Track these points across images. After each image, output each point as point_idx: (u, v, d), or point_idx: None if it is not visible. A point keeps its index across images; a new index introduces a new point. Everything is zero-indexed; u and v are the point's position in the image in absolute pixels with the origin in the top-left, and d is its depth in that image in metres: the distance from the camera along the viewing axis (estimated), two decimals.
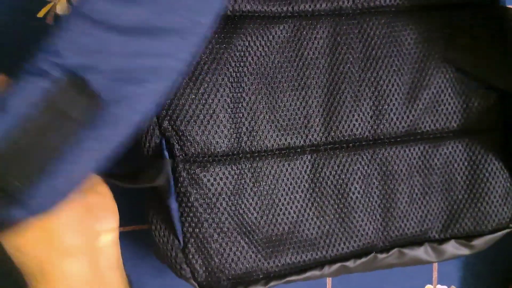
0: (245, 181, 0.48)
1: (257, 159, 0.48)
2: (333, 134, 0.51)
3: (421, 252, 0.53)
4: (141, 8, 0.33)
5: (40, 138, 0.32)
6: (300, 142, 0.50)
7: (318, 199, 0.50)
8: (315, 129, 0.50)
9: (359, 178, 0.51)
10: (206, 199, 0.46)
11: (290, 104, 0.49)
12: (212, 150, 0.47)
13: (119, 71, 0.34)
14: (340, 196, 0.51)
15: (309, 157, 0.50)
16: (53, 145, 0.33)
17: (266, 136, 0.49)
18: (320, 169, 0.50)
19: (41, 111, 0.32)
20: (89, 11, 0.33)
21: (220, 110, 0.46)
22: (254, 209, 0.48)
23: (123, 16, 0.33)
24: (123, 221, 0.55)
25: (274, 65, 0.49)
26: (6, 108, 0.32)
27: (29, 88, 0.32)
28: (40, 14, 0.53)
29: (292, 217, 0.50)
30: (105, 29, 0.33)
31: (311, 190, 0.50)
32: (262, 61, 0.49)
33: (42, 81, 0.32)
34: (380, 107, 0.52)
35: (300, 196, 0.50)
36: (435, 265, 0.63)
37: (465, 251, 0.54)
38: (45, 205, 0.34)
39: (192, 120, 0.46)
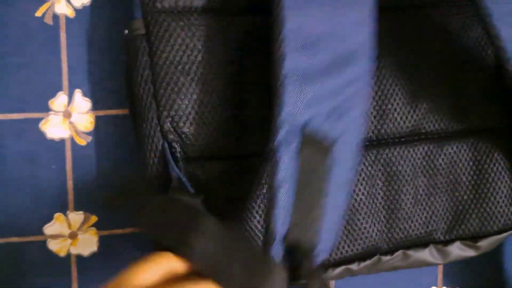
0: (248, 183, 0.48)
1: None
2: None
3: (426, 253, 0.53)
4: (323, 51, 0.38)
5: (311, 192, 0.37)
6: None
7: None
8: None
9: (363, 179, 0.51)
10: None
11: None
12: (214, 151, 0.47)
13: (332, 111, 0.38)
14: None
15: None
16: (321, 193, 0.37)
17: None
18: None
19: (300, 173, 0.36)
20: (294, 70, 0.37)
21: (223, 111, 0.46)
22: (257, 212, 0.48)
23: (315, 63, 0.37)
24: (124, 224, 0.56)
25: None
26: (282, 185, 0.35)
27: (285, 159, 0.36)
28: (38, 13, 0.53)
29: None
30: (309, 80, 0.37)
31: None
32: (264, 62, 0.48)
33: (289, 147, 0.36)
34: (384, 107, 0.51)
35: None
36: (440, 267, 0.63)
37: (470, 253, 0.54)
38: (328, 248, 0.39)
39: (194, 121, 0.46)
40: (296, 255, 0.36)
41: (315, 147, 0.37)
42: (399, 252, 0.52)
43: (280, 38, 0.37)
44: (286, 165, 0.36)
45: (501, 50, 0.39)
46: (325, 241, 0.38)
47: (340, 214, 0.39)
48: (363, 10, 0.40)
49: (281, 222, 0.36)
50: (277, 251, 0.36)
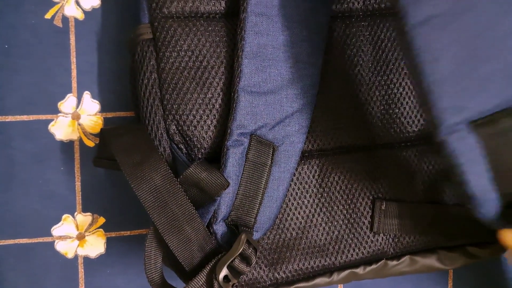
0: None
1: None
2: (341, 138, 0.51)
3: (433, 259, 0.54)
4: (274, 70, 0.47)
5: (252, 185, 0.47)
6: (308, 146, 0.51)
7: (327, 204, 0.51)
8: (323, 133, 0.51)
9: (368, 183, 0.52)
10: None
11: None
12: (219, 154, 0.47)
13: (276, 123, 0.48)
14: (350, 202, 0.52)
15: (317, 161, 0.51)
16: (261, 186, 0.47)
17: None
18: (328, 174, 0.51)
19: (245, 167, 0.47)
20: (248, 86, 0.46)
21: (227, 115, 0.47)
22: None
23: (266, 83, 0.47)
24: (131, 226, 0.57)
25: None
26: (228, 178, 0.46)
27: (234, 157, 0.46)
28: (48, 15, 0.54)
29: (300, 223, 0.51)
30: (259, 96, 0.47)
31: (320, 195, 0.51)
32: None
33: (239, 148, 0.46)
34: (391, 111, 0.52)
35: (308, 201, 0.51)
36: (450, 273, 0.63)
37: (479, 258, 0.54)
38: (267, 227, 0.49)
39: (199, 125, 0.47)
40: (236, 233, 0.46)
41: (259, 150, 0.47)
42: (406, 257, 0.53)
43: (241, 57, 0.46)
44: (234, 162, 0.46)
45: None
46: (261, 223, 0.48)
47: (277, 205, 0.49)
48: (315, 47, 0.48)
49: (225, 205, 0.46)
50: (219, 227, 0.47)
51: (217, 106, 0.47)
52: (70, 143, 0.55)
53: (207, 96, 0.47)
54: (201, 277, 0.44)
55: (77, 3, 0.55)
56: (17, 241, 0.55)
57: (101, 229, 0.57)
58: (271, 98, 0.47)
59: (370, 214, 0.52)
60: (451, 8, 0.38)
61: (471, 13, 0.38)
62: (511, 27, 0.38)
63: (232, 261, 0.44)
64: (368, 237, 0.52)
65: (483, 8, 0.38)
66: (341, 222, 0.52)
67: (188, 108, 0.47)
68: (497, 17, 0.38)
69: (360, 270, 0.52)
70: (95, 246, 0.57)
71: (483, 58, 0.38)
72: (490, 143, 0.39)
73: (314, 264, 0.51)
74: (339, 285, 0.61)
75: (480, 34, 0.38)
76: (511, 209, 0.41)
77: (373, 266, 0.52)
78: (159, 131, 0.47)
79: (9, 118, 0.54)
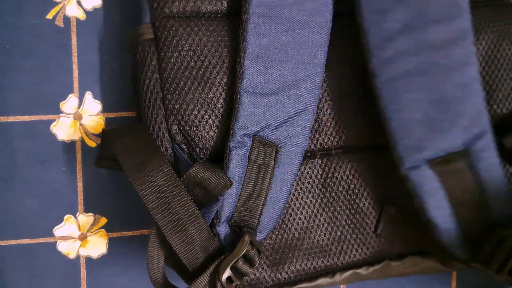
0: None
1: None
2: (344, 138, 0.52)
3: (436, 260, 0.54)
4: (276, 71, 0.47)
5: (255, 186, 0.47)
6: (310, 146, 0.51)
7: (329, 204, 0.51)
8: (326, 133, 0.51)
9: (371, 184, 0.52)
10: None
11: None
12: (220, 154, 0.48)
13: (279, 124, 0.48)
14: (352, 202, 0.52)
15: (319, 161, 0.51)
16: (264, 187, 0.48)
17: None
18: (331, 174, 0.51)
19: (248, 168, 0.47)
20: (250, 87, 0.46)
21: (229, 116, 0.48)
22: None
23: (269, 85, 0.47)
24: (133, 226, 0.57)
25: None
26: (231, 179, 0.46)
27: (237, 158, 0.46)
28: (49, 15, 0.55)
29: (303, 223, 0.51)
30: (261, 97, 0.47)
31: (322, 195, 0.51)
32: None
33: (242, 150, 0.46)
34: None
35: (311, 201, 0.51)
36: (454, 273, 0.63)
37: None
38: (271, 228, 0.49)
39: (201, 125, 0.47)
40: (239, 234, 0.47)
41: (262, 151, 0.48)
42: (409, 258, 0.53)
43: (243, 58, 0.46)
44: (237, 163, 0.46)
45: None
46: (265, 224, 0.48)
47: (281, 206, 0.49)
48: (316, 48, 0.48)
49: (228, 206, 0.46)
50: (223, 228, 0.47)
51: (219, 106, 0.48)
52: (72, 143, 0.56)
53: (209, 96, 0.47)
54: (204, 277, 0.44)
55: (79, 3, 0.55)
56: (19, 241, 0.56)
57: (103, 230, 0.57)
58: (274, 99, 0.47)
59: (373, 214, 0.52)
60: (416, 67, 0.46)
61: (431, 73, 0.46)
62: (465, 82, 0.46)
63: (235, 262, 0.44)
64: (371, 237, 0.52)
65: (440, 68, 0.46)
66: (343, 223, 0.52)
67: (189, 108, 0.47)
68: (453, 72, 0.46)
69: (362, 271, 0.52)
70: (97, 246, 0.57)
71: (441, 109, 0.46)
72: (446, 179, 0.47)
73: (317, 264, 0.51)
74: (341, 285, 0.61)
75: (438, 89, 0.46)
76: (472, 239, 0.47)
77: (376, 267, 0.53)
78: (161, 131, 0.47)
79: (11, 119, 0.54)
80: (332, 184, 0.51)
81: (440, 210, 0.47)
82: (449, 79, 0.46)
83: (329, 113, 0.51)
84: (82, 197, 0.56)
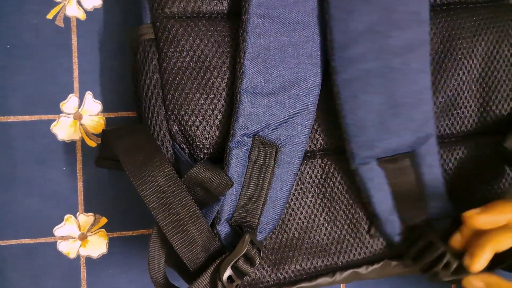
0: None
1: None
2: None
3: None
4: (276, 71, 0.48)
5: (255, 186, 0.48)
6: (310, 146, 0.51)
7: (329, 204, 0.52)
8: (325, 133, 0.51)
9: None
10: None
11: None
12: (221, 155, 0.48)
13: (279, 124, 0.48)
14: (352, 201, 0.52)
15: (319, 161, 0.51)
16: (264, 187, 0.48)
17: None
18: (331, 174, 0.51)
19: (249, 168, 0.47)
20: (250, 87, 0.47)
21: (229, 115, 0.48)
22: None
23: (269, 85, 0.48)
24: (133, 226, 0.57)
25: None
26: (232, 178, 0.46)
27: (237, 157, 0.47)
28: (50, 15, 0.55)
29: (303, 222, 0.51)
30: (261, 97, 0.47)
31: (322, 195, 0.51)
32: None
33: (242, 149, 0.47)
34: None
35: (311, 201, 0.51)
36: None
37: None
38: (271, 227, 0.49)
39: (201, 125, 0.48)
40: (239, 233, 0.47)
41: (262, 151, 0.48)
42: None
43: (243, 59, 0.47)
44: (237, 163, 0.47)
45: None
46: (265, 224, 0.49)
47: (281, 206, 0.49)
48: (316, 48, 0.49)
49: (229, 206, 0.47)
50: (223, 228, 0.47)
51: (219, 106, 0.48)
52: (72, 143, 0.56)
53: (209, 96, 0.47)
54: (205, 277, 0.44)
55: (79, 3, 0.55)
56: (19, 241, 0.56)
57: (103, 229, 0.57)
58: (274, 99, 0.48)
59: (371, 216, 0.52)
60: (375, 70, 0.48)
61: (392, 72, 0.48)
62: (418, 89, 0.49)
63: (236, 262, 0.44)
64: (371, 237, 0.52)
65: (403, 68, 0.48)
66: (343, 222, 0.52)
67: (190, 108, 0.47)
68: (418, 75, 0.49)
69: (362, 270, 0.53)
70: (97, 246, 0.57)
71: (394, 112, 0.48)
72: (391, 176, 0.50)
73: (317, 264, 0.52)
74: (341, 285, 0.61)
75: (394, 93, 0.48)
76: (410, 232, 0.51)
77: (376, 266, 0.53)
78: (162, 131, 0.47)
79: (11, 119, 0.54)
80: (332, 184, 0.52)
81: (384, 204, 0.50)
82: (404, 84, 0.48)
83: (329, 113, 0.51)
84: (82, 197, 0.56)
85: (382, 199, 0.50)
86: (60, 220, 0.56)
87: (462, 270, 0.48)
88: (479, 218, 0.46)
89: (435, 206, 0.51)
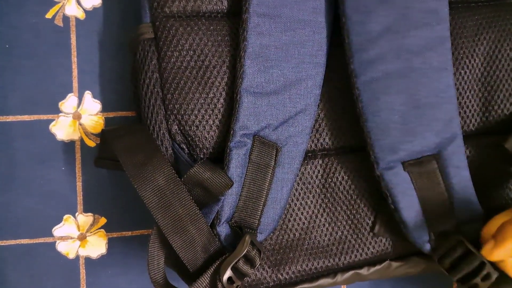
0: None
1: None
2: (345, 138, 0.52)
3: None
4: (276, 71, 0.47)
5: (256, 186, 0.47)
6: (311, 146, 0.51)
7: (330, 205, 0.51)
8: (326, 133, 0.51)
9: (372, 184, 0.52)
10: None
11: None
12: (220, 154, 0.48)
13: (279, 124, 0.48)
14: (353, 202, 0.52)
15: (320, 161, 0.51)
16: (264, 187, 0.48)
17: None
18: (332, 174, 0.51)
19: (249, 168, 0.47)
20: (250, 87, 0.47)
21: (229, 115, 0.48)
22: None
23: (269, 84, 0.47)
24: (132, 226, 0.57)
25: None
26: (232, 178, 0.46)
27: (237, 158, 0.46)
28: (49, 15, 0.55)
29: (303, 223, 0.51)
30: (262, 96, 0.47)
31: (323, 196, 0.51)
32: None
33: (242, 149, 0.47)
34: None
35: (312, 202, 0.51)
36: None
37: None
38: (271, 228, 0.49)
39: (201, 125, 0.48)
40: (240, 234, 0.47)
41: (262, 151, 0.48)
42: (410, 258, 0.53)
43: (243, 58, 0.46)
44: (237, 163, 0.46)
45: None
46: (265, 225, 0.48)
47: (281, 206, 0.49)
48: (317, 47, 0.48)
49: (229, 206, 0.46)
50: (223, 229, 0.47)
51: (219, 105, 0.48)
52: (71, 143, 0.56)
53: (209, 96, 0.47)
54: (205, 278, 0.44)
55: (78, 3, 0.55)
56: (18, 241, 0.56)
57: (102, 230, 0.57)
58: (274, 98, 0.47)
59: (374, 214, 0.52)
60: (396, 71, 0.47)
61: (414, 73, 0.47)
62: (441, 88, 0.48)
63: (236, 263, 0.44)
64: (372, 238, 0.52)
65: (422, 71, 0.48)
66: (344, 223, 0.52)
67: (190, 107, 0.47)
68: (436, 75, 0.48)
69: (364, 271, 0.52)
70: (97, 246, 0.57)
71: (416, 113, 0.48)
72: (418, 180, 0.49)
73: (318, 265, 0.51)
74: (342, 286, 0.61)
75: (415, 94, 0.48)
76: (441, 239, 0.49)
77: (377, 267, 0.53)
78: (161, 131, 0.47)
79: (10, 118, 0.54)
80: (333, 185, 0.51)
81: (412, 210, 0.49)
82: (425, 84, 0.48)
83: (330, 113, 0.51)
84: (81, 197, 0.56)
85: (409, 205, 0.49)
86: (59, 220, 0.56)
87: (503, 282, 0.47)
88: (498, 254, 0.45)
89: (463, 209, 0.49)
